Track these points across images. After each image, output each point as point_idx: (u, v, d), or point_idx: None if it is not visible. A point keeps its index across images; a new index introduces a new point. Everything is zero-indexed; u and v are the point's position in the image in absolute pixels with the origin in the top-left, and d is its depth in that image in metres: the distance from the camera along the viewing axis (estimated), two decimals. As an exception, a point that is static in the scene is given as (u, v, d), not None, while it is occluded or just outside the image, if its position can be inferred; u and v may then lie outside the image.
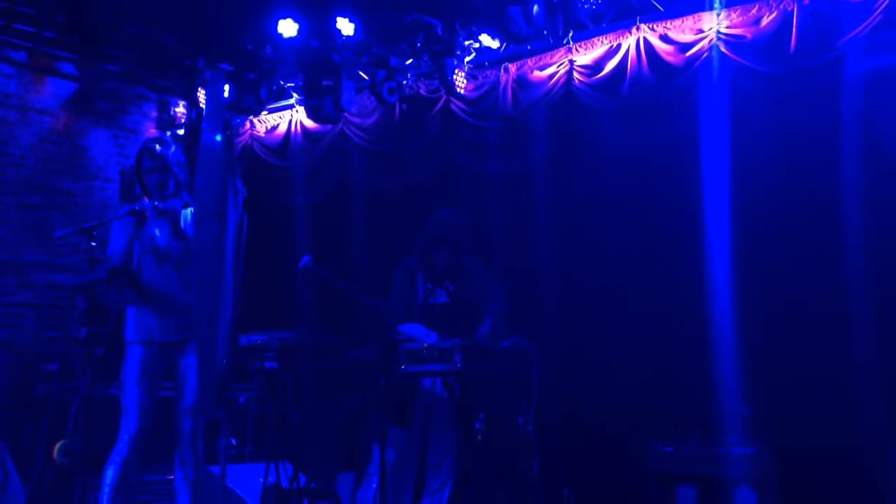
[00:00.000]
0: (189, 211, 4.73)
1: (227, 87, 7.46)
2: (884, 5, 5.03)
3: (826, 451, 5.09)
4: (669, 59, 5.92)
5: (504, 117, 6.65)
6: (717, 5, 5.73)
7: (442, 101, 6.99)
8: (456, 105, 6.90)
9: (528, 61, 6.62)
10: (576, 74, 6.33)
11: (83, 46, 8.13)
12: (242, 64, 7.44)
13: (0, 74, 7.84)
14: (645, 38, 6.03)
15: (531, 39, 6.44)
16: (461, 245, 5.69)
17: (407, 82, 7.12)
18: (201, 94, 7.80)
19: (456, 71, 6.63)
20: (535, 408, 5.16)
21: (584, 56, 6.33)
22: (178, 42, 8.17)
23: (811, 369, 5.26)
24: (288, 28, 6.84)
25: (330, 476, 5.88)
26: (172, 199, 4.70)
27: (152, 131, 8.71)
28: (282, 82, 7.66)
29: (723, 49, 5.67)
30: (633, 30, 6.09)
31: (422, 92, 7.14)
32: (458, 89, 6.70)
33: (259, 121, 8.21)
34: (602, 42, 6.27)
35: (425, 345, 5.15)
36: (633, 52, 6.05)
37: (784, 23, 5.47)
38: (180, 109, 8.74)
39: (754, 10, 5.63)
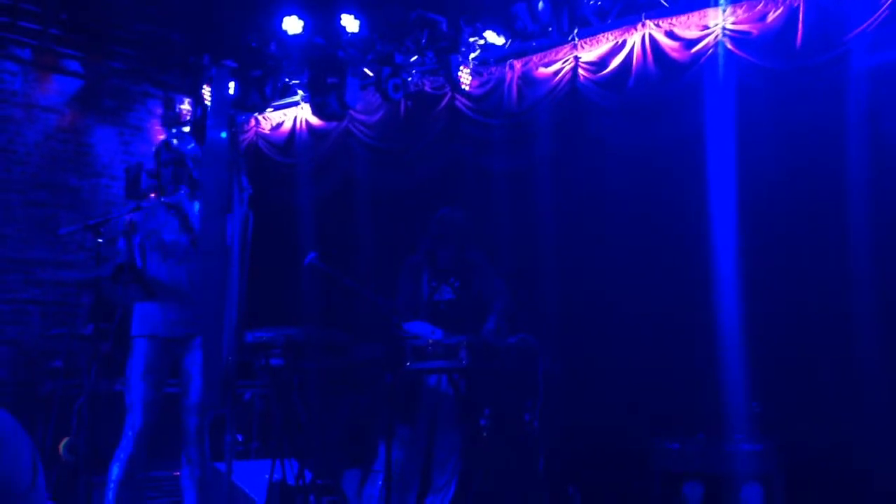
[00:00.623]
0: (196, 205, 4.75)
1: (232, 85, 7.46)
2: (890, 1, 5.01)
3: (833, 448, 5.08)
4: (675, 55, 5.90)
5: (509, 114, 6.64)
6: (722, 1, 5.71)
7: (447, 97, 6.98)
8: (461, 102, 6.89)
9: (534, 58, 6.61)
10: (581, 71, 6.32)
11: (88, 44, 8.14)
12: (247, 61, 7.44)
13: (5, 72, 7.84)
14: (650, 35, 6.01)
15: (536, 36, 6.43)
16: (464, 241, 5.70)
17: (412, 79, 7.11)
18: (206, 92, 7.79)
19: (461, 68, 6.62)
20: (540, 405, 5.16)
21: (590, 52, 6.32)
22: (184, 39, 8.18)
23: (818, 366, 5.25)
24: (293, 25, 6.84)
25: (336, 473, 5.88)
26: (181, 193, 4.71)
27: (157, 128, 8.72)
28: (287, 79, 7.65)
29: (728, 45, 5.65)
30: (639, 26, 6.07)
31: (427, 89, 7.13)
32: (464, 86, 6.69)
33: (264, 118, 8.21)
34: (607, 38, 6.25)
35: (431, 341, 5.16)
36: (638, 48, 6.03)
37: (790, 19, 5.45)
38: (185, 107, 8.74)
39: (760, 6, 5.61)
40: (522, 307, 6.04)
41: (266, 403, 6.67)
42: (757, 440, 5.09)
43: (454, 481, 5.57)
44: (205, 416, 4.69)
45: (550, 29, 6.30)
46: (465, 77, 6.65)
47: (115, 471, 4.48)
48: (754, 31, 5.59)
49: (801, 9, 5.38)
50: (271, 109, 8.05)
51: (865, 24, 5.09)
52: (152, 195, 4.81)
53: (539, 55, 6.58)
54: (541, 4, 6.14)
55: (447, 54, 6.56)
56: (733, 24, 5.67)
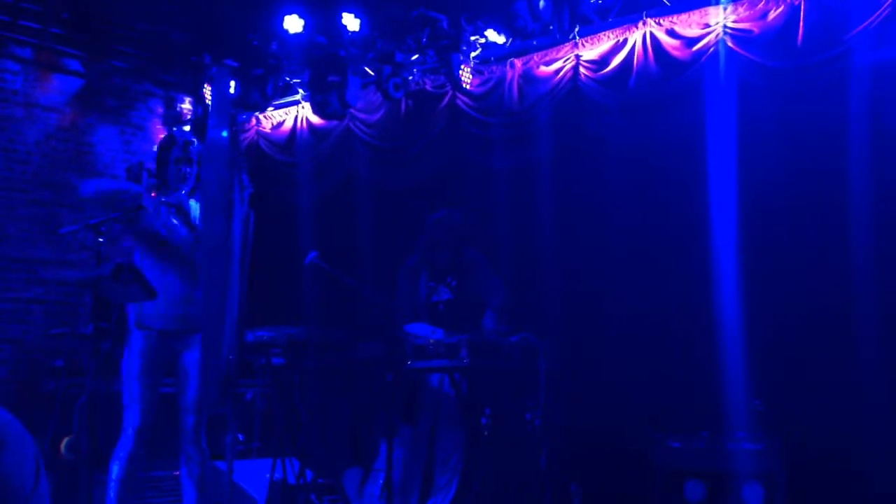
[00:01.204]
0: (194, 202, 4.75)
1: (232, 84, 7.46)
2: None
3: (835, 448, 5.07)
4: (676, 53, 5.89)
5: (510, 112, 6.63)
6: (723, -1, 5.71)
7: (448, 96, 6.98)
8: (462, 100, 6.89)
9: (535, 56, 6.60)
10: (582, 69, 6.31)
11: (89, 43, 8.14)
12: (248, 60, 7.45)
13: (6, 71, 7.84)
14: (651, 33, 6.00)
15: (537, 34, 6.43)
16: (461, 243, 5.72)
17: (413, 78, 7.10)
18: (207, 91, 7.80)
19: (462, 66, 6.62)
20: (542, 403, 5.15)
21: (591, 51, 6.31)
22: (185, 38, 8.18)
23: (820, 365, 5.24)
24: (294, 24, 6.84)
25: (337, 472, 5.89)
26: (181, 192, 4.72)
27: (158, 128, 8.71)
28: (287, 78, 7.65)
29: (729, 43, 5.65)
30: (640, 24, 6.06)
31: (427, 87, 7.13)
32: (464, 84, 6.68)
33: (265, 117, 8.21)
34: (608, 37, 6.25)
35: (432, 340, 5.16)
36: (639, 46, 6.03)
37: (791, 17, 5.44)
38: (186, 106, 8.75)
39: (761, 5, 5.60)
40: (523, 306, 6.04)
41: (267, 402, 6.67)
42: (759, 439, 5.08)
43: (455, 480, 5.57)
44: (203, 414, 4.69)
45: (551, 27, 6.30)
46: (465, 76, 6.65)
47: (116, 469, 4.48)
48: (755, 30, 5.58)
49: (803, 7, 5.38)
50: (272, 108, 8.04)
51: (867, 22, 5.08)
52: (153, 194, 4.79)
53: (540, 54, 6.57)
54: (542, 3, 6.14)
55: (448, 53, 6.56)
56: (734, 22, 5.66)
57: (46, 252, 7.92)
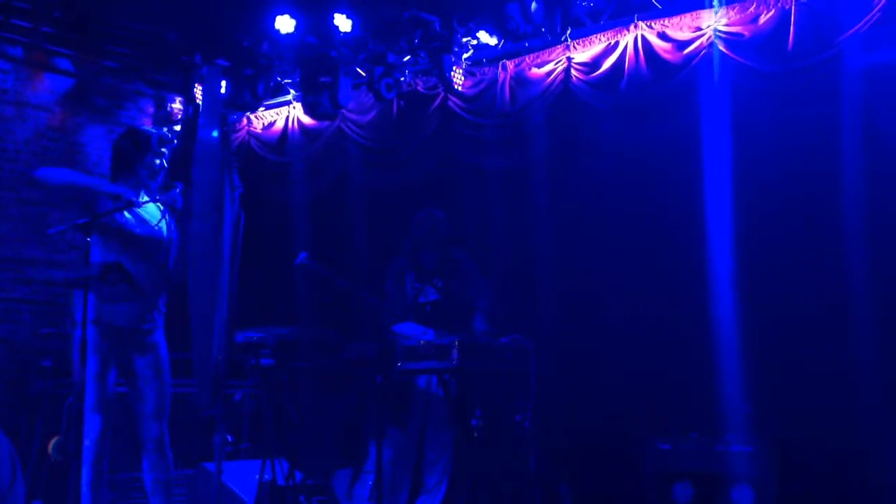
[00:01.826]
0: (152, 206, 4.69)
1: (223, 84, 7.45)
2: (883, 2, 5.02)
3: (825, 450, 5.09)
4: (667, 56, 5.90)
5: (502, 114, 6.63)
6: (715, 3, 5.70)
7: (440, 97, 6.97)
8: (454, 102, 6.88)
9: (527, 58, 6.60)
10: (574, 72, 6.31)
11: (80, 42, 8.11)
12: (239, 60, 7.43)
13: (-3, 70, 7.83)
14: (643, 36, 6.01)
15: (529, 36, 6.43)
16: (446, 242, 5.74)
17: (405, 79, 7.10)
18: (198, 91, 7.77)
19: (454, 68, 6.61)
20: (532, 404, 5.16)
21: (582, 53, 6.31)
22: (175, 38, 8.15)
23: (812, 368, 5.25)
24: (285, 24, 6.83)
25: (326, 473, 5.88)
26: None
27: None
28: (279, 78, 7.64)
29: (721, 47, 5.66)
30: (632, 27, 6.06)
31: (419, 89, 7.12)
32: (456, 86, 6.68)
33: (256, 117, 8.19)
34: (600, 39, 6.25)
35: (422, 341, 5.16)
36: (630, 49, 6.04)
37: (782, 21, 5.46)
38: (177, 105, 8.72)
39: (752, 8, 5.61)
40: (515, 307, 6.04)
41: (256, 403, 6.65)
42: (749, 442, 5.09)
43: (445, 481, 5.57)
44: (164, 422, 4.65)
45: (543, 29, 6.31)
46: (457, 77, 6.64)
47: (84, 473, 4.44)
48: (746, 33, 5.59)
49: (793, 11, 5.39)
50: (263, 108, 8.03)
51: (858, 26, 5.09)
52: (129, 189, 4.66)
53: (532, 56, 6.58)
54: (534, 5, 6.14)
55: (440, 54, 6.55)
56: (725, 25, 5.67)
57: (36, 252, 7.90)
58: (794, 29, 5.37)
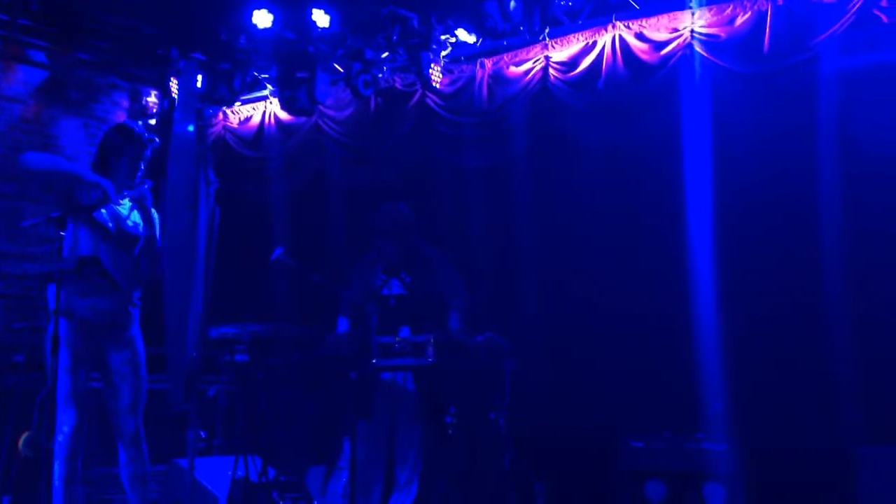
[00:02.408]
0: (128, 202, 4.65)
1: (200, 78, 7.40)
2: (857, 6, 5.07)
3: (797, 450, 5.13)
4: (645, 57, 5.93)
5: (480, 112, 6.64)
6: (692, 4, 5.74)
7: (417, 95, 6.97)
8: (431, 99, 6.88)
9: (505, 57, 6.61)
10: (551, 71, 6.33)
11: (56, 34, 8.03)
12: (216, 54, 7.38)
13: (-30, 62, 7.73)
14: (620, 36, 6.04)
15: (507, 35, 6.44)
16: (406, 235, 5.72)
17: (382, 76, 7.08)
18: (174, 84, 7.71)
19: (432, 65, 6.60)
20: (507, 403, 5.17)
21: (560, 52, 6.33)
22: (152, 31, 8.09)
23: (786, 369, 5.30)
24: (263, 19, 6.79)
25: (300, 469, 5.86)
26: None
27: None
28: (256, 73, 7.59)
29: (698, 48, 5.70)
30: (609, 27, 6.09)
31: (397, 86, 7.11)
32: (434, 83, 6.67)
33: (232, 112, 8.14)
34: (578, 39, 6.27)
35: (398, 338, 5.16)
36: (608, 49, 6.06)
37: (758, 23, 5.50)
38: (152, 99, 8.65)
39: (729, 10, 5.66)
40: (492, 305, 6.04)
41: (230, 399, 6.62)
42: (721, 440, 5.13)
43: (416, 479, 5.57)
44: (139, 417, 4.63)
45: (521, 28, 6.31)
46: (435, 74, 6.64)
47: (57, 469, 4.40)
48: (723, 35, 5.63)
49: (770, 13, 5.44)
50: (240, 103, 7.98)
51: (833, 29, 5.15)
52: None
53: (510, 54, 6.59)
54: (512, 3, 6.14)
55: (418, 51, 6.54)
56: (703, 27, 5.71)
57: (8, 245, 7.81)
58: (770, 31, 5.41)
